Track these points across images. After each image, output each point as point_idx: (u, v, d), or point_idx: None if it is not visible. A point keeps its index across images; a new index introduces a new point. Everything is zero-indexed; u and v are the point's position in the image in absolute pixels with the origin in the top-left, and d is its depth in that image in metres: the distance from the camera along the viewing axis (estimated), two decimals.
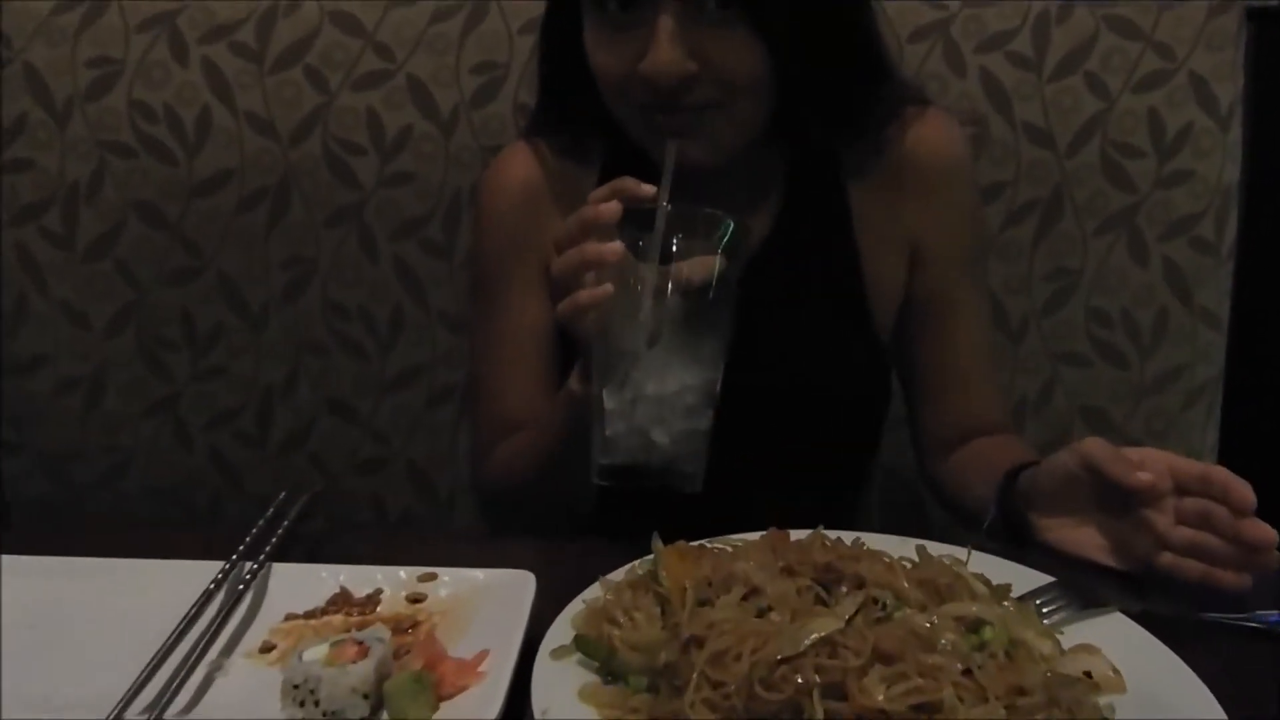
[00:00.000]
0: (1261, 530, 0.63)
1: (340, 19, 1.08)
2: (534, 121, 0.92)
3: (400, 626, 0.57)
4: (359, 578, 0.61)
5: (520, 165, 0.92)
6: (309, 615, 0.59)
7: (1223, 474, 0.65)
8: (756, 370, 0.82)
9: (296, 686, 0.50)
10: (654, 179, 0.83)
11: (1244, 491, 0.64)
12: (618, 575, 0.59)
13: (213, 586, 0.59)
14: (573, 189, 0.88)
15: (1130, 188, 1.04)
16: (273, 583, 0.61)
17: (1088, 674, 0.53)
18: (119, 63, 1.08)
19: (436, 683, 0.51)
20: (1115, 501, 0.67)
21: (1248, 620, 0.62)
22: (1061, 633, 0.58)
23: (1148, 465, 0.66)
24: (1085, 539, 0.69)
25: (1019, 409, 1.10)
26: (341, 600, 0.60)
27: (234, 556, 0.61)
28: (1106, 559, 0.68)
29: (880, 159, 0.88)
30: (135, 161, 1.09)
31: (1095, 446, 0.68)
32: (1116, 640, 0.57)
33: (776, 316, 0.86)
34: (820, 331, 0.88)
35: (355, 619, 0.58)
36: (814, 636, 0.49)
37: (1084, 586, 0.61)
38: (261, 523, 0.65)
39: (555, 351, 0.91)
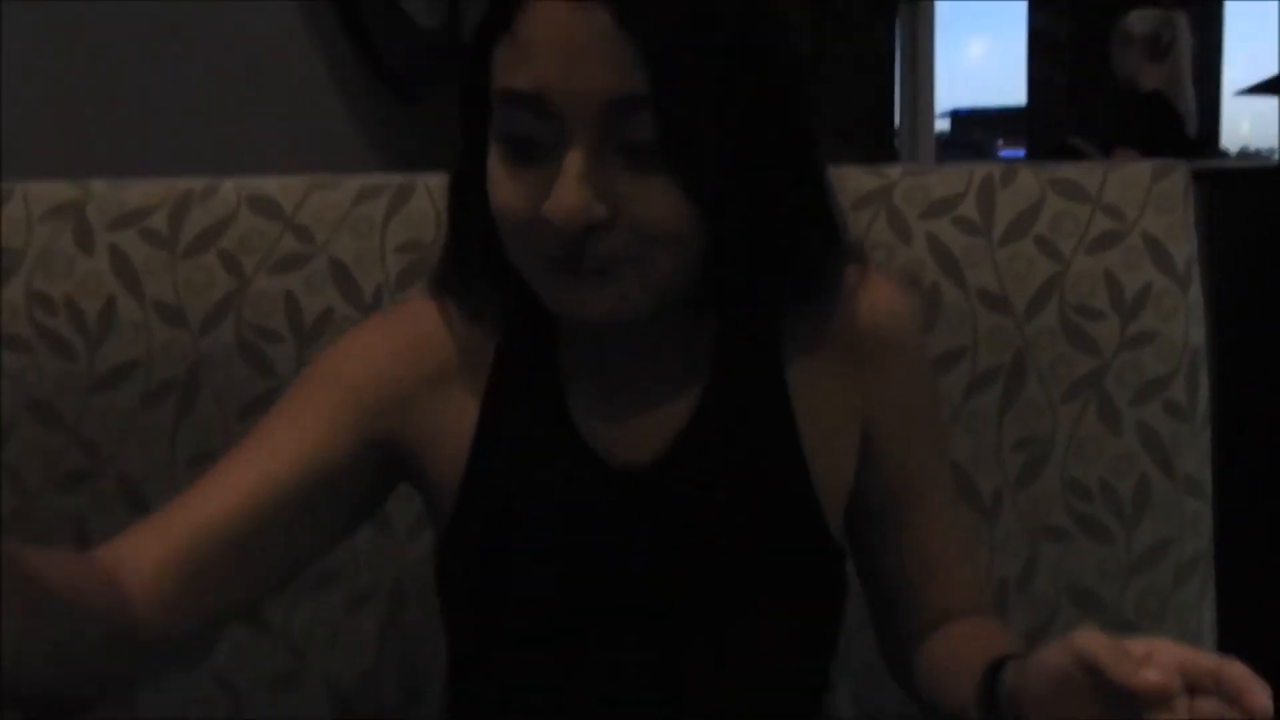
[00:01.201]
0: None
1: (257, 203, 1.03)
2: (439, 276, 0.80)
3: None
4: None
5: (425, 320, 0.80)
6: None
7: (1238, 672, 0.56)
8: (684, 572, 0.74)
9: None
10: (552, 358, 0.75)
11: (1261, 698, 0.55)
12: None
13: None
14: (469, 360, 0.78)
15: (1094, 350, 0.99)
16: None
17: None
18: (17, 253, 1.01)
19: None
20: (1117, 703, 0.57)
21: None
22: None
23: (1155, 660, 0.57)
24: None
25: (999, 592, 1.01)
26: None
27: None
28: None
29: (822, 330, 0.78)
30: (30, 357, 1.01)
31: (1092, 641, 0.58)
32: None
33: (703, 511, 0.75)
34: (757, 526, 0.76)
35: None
36: None
37: None
38: None
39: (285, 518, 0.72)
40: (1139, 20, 3.16)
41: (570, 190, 0.64)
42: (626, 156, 0.65)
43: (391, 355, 0.78)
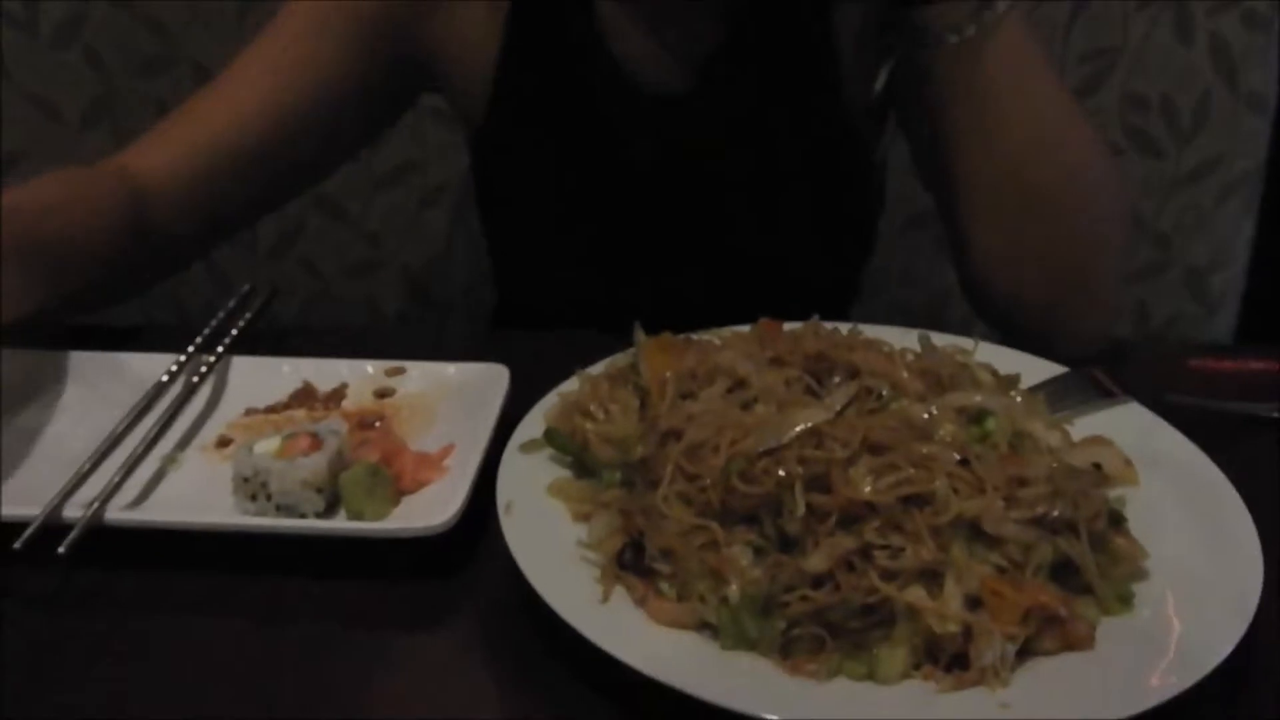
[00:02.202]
0: None
1: None
2: None
3: (365, 421, 0.54)
4: (323, 372, 0.58)
5: None
6: (270, 410, 0.56)
7: None
8: (724, 189, 0.74)
9: (247, 480, 0.47)
10: None
11: None
12: (597, 368, 0.56)
13: (166, 379, 0.55)
14: None
15: None
16: (232, 376, 0.58)
17: (1097, 466, 0.49)
18: None
19: (395, 476, 0.48)
20: None
21: (1271, 411, 0.58)
22: (1072, 424, 0.54)
23: None
24: None
25: None
26: (304, 395, 0.56)
27: (190, 348, 0.58)
28: None
29: None
30: None
31: None
32: (1132, 432, 0.53)
33: (735, 141, 0.73)
34: (792, 152, 0.73)
35: (318, 414, 0.55)
36: (799, 428, 0.45)
37: (1099, 377, 0.57)
38: (222, 314, 0.61)
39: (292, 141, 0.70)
40: None
41: None
42: None
43: None
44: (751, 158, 0.73)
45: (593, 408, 0.52)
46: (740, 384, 0.51)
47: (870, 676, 0.41)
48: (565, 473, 0.50)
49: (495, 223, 0.80)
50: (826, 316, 0.58)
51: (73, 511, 0.46)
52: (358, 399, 0.56)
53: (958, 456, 0.44)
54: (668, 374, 0.52)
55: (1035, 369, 0.58)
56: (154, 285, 0.74)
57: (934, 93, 0.66)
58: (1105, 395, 0.56)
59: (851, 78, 0.73)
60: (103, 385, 0.55)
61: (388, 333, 0.85)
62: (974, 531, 0.43)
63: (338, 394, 0.57)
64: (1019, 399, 0.52)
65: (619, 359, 0.56)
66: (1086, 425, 0.55)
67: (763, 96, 0.72)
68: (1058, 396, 0.56)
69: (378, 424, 0.53)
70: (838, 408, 0.48)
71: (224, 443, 0.54)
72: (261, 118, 0.69)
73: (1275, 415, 0.58)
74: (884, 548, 0.42)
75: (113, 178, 0.66)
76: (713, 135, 0.72)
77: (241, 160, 0.69)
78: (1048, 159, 0.65)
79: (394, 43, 0.73)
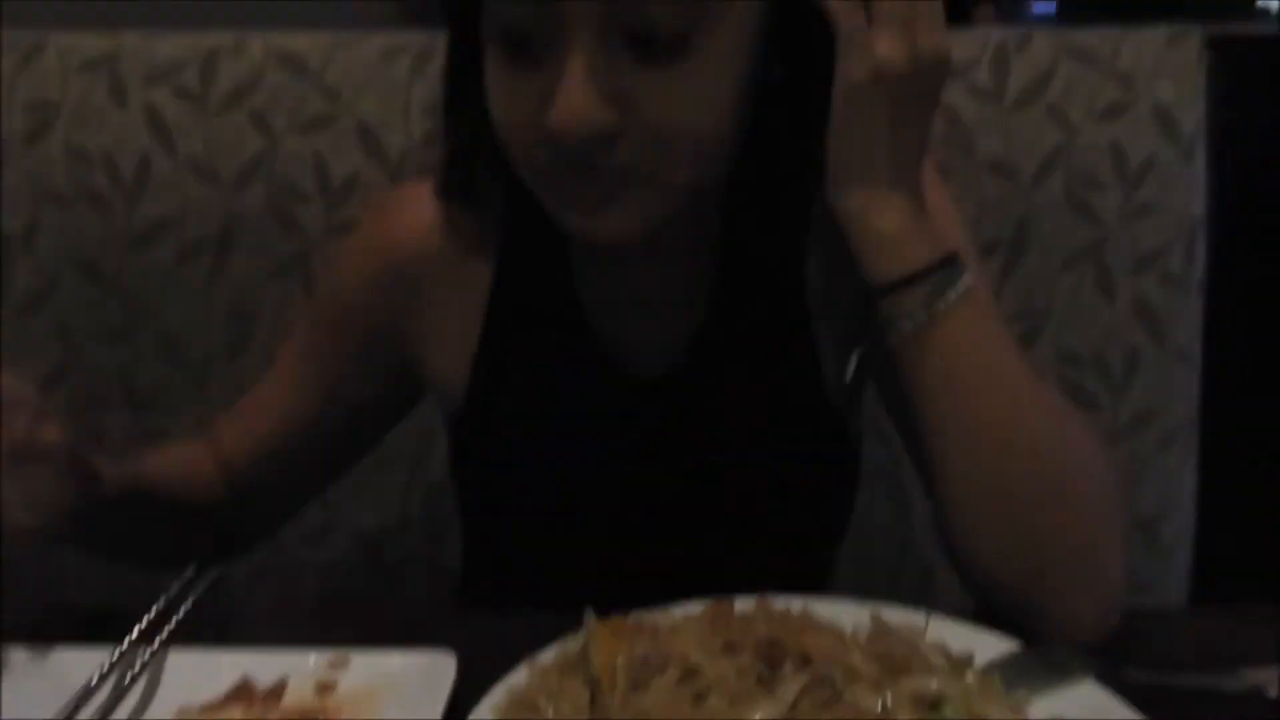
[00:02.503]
0: None
1: (285, 60, 1.05)
2: (440, 184, 0.73)
3: None
4: (263, 665, 0.56)
5: (421, 217, 0.75)
6: (205, 709, 0.54)
7: None
8: (697, 478, 0.74)
9: None
10: (563, 260, 0.71)
11: None
12: (548, 655, 0.55)
13: (95, 680, 0.54)
14: (473, 257, 0.74)
15: (1096, 221, 1.01)
16: (167, 671, 0.57)
17: None
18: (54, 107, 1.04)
19: None
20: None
21: (1232, 684, 0.57)
22: (1030, 706, 0.54)
23: None
24: None
25: None
26: (242, 692, 0.55)
27: (126, 641, 0.56)
28: None
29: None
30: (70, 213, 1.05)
31: None
32: (1091, 714, 0.53)
33: (720, 422, 0.74)
34: (775, 430, 0.74)
35: (255, 713, 0.53)
36: None
37: (1053, 654, 0.57)
38: (163, 600, 0.60)
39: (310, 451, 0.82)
40: None
41: (574, 94, 0.56)
42: (636, 49, 0.57)
43: (384, 263, 0.76)
44: (732, 439, 0.74)
45: (541, 701, 0.51)
46: (692, 672, 0.50)
47: None
48: None
49: (471, 501, 0.81)
50: (802, 589, 0.58)
51: None
52: (298, 694, 0.55)
53: None
54: (619, 661, 0.51)
55: (988, 645, 0.58)
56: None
57: (900, 381, 0.65)
58: (1060, 672, 0.56)
59: (828, 358, 0.74)
60: (30, 683, 0.54)
61: (338, 607, 0.84)
62: None
63: (277, 690, 0.55)
64: (974, 681, 0.52)
65: (570, 645, 0.55)
66: (1043, 706, 0.54)
67: (743, 379, 0.73)
68: (1013, 675, 0.55)
69: None
70: (790, 700, 0.47)
71: None
72: (286, 428, 0.79)
73: (1237, 690, 0.57)
74: None
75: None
76: (693, 418, 0.74)
77: (277, 461, 0.80)
78: (1021, 449, 0.62)
79: (385, 350, 0.77)
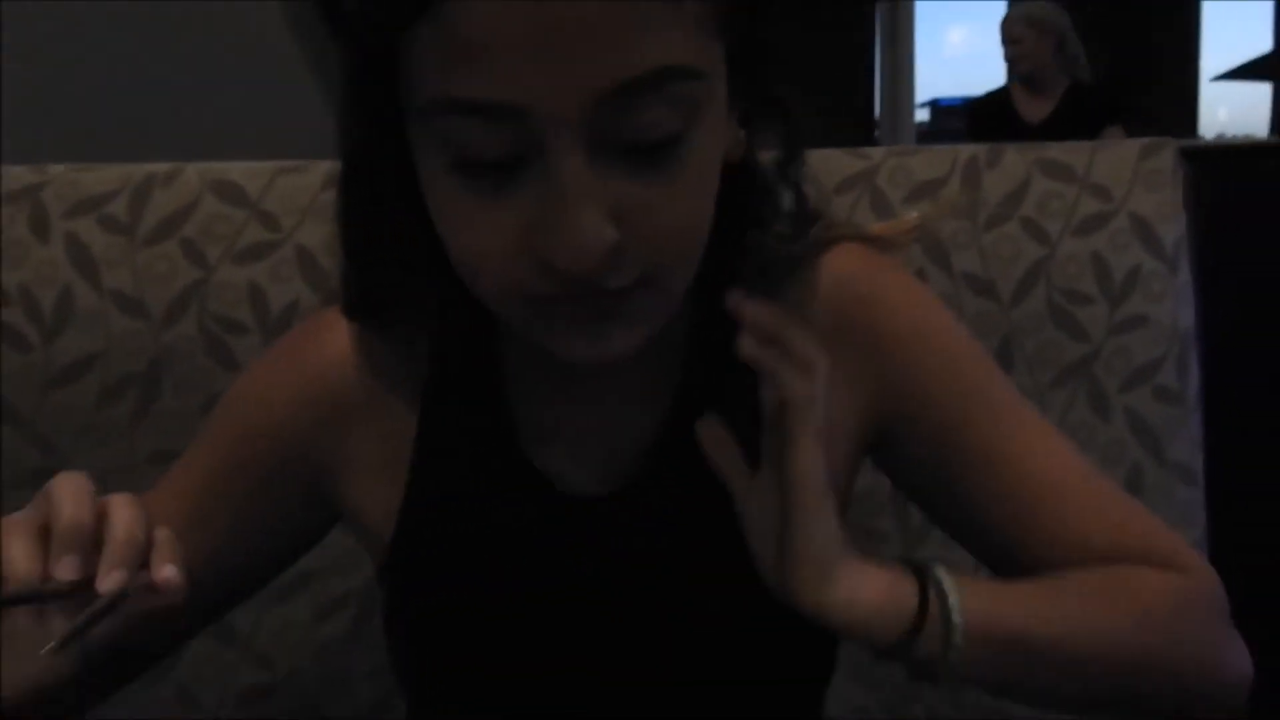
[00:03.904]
0: None
1: (221, 188, 0.99)
2: (346, 307, 0.67)
3: None
4: None
5: (337, 341, 0.68)
6: None
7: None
8: (649, 611, 0.64)
9: None
10: (495, 382, 0.64)
11: None
12: None
13: None
14: (396, 381, 0.67)
15: (1082, 336, 0.97)
16: None
17: None
18: None
19: None
20: None
21: None
22: None
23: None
24: None
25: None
26: None
27: None
28: None
29: (804, 319, 0.64)
30: None
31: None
32: None
33: (672, 548, 0.64)
34: (736, 560, 0.62)
35: None
36: None
37: None
38: None
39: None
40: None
41: (580, 218, 0.49)
42: (625, 156, 0.51)
43: (299, 391, 0.68)
44: (690, 566, 0.64)
45: None
46: None
47: None
48: None
49: (405, 650, 0.70)
50: None
51: None
52: None
53: None
54: None
55: None
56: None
57: None
58: None
59: None
60: None
61: None
62: None
63: None
64: None
65: None
66: None
67: (707, 491, 0.63)
68: None
69: None
70: None
71: None
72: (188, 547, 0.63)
73: None
74: None
75: None
76: (643, 541, 0.65)
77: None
78: (1084, 696, 0.60)
79: (301, 483, 0.69)
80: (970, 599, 0.56)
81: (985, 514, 0.65)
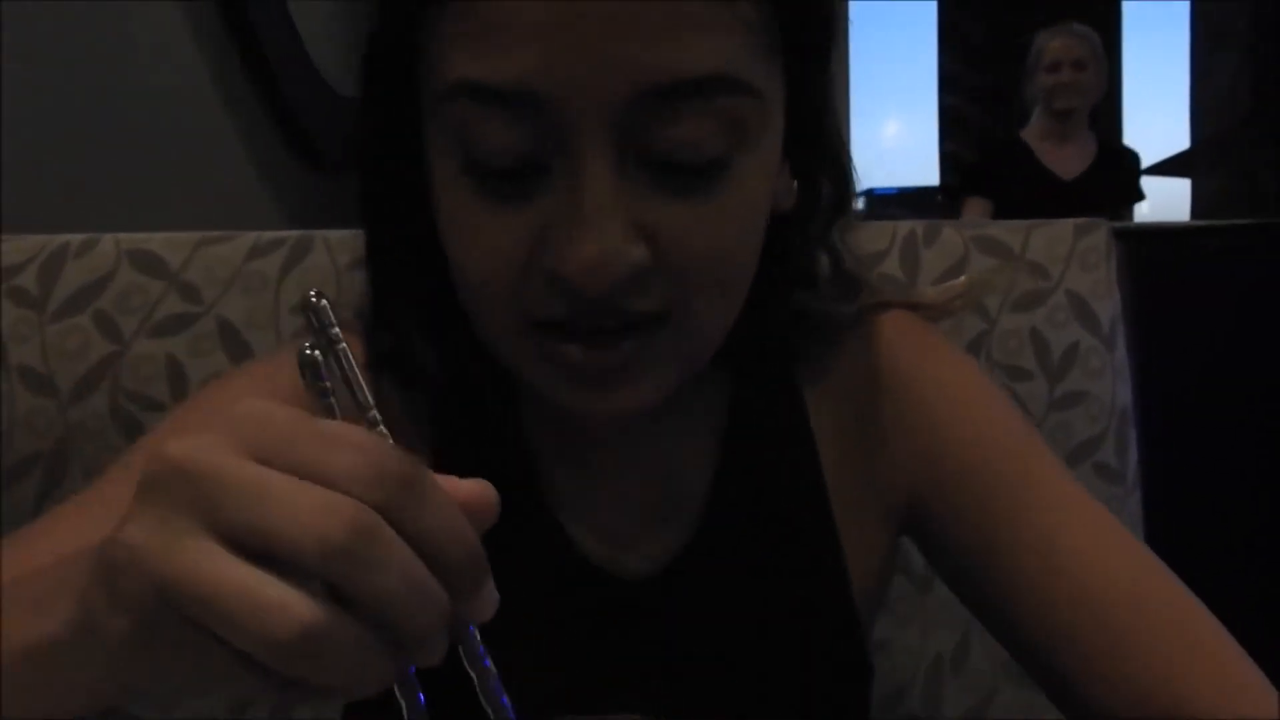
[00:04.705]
0: None
1: (139, 259, 0.95)
2: (372, 358, 0.60)
3: None
4: None
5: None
6: None
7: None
8: (696, 693, 0.60)
9: None
10: (520, 447, 0.57)
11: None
12: None
13: None
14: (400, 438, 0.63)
15: (1025, 411, 0.96)
16: None
17: None
18: None
19: None
20: None
21: None
22: None
23: None
24: None
25: (934, 669, 0.95)
26: None
27: None
28: None
29: (846, 387, 0.63)
30: None
31: None
32: None
33: (725, 630, 0.61)
34: (786, 644, 0.61)
35: None
36: None
37: None
38: None
39: None
40: None
41: (603, 226, 0.44)
42: (654, 172, 0.46)
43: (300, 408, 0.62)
44: (733, 649, 0.61)
45: None
46: None
47: None
48: None
49: None
50: None
51: None
52: None
53: None
54: None
55: None
56: None
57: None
58: None
59: (856, 560, 0.63)
60: None
61: None
62: None
63: None
64: None
65: None
66: None
67: (753, 577, 0.60)
68: None
69: None
70: None
71: None
72: None
73: None
74: None
75: None
76: (688, 623, 0.60)
77: None
78: None
79: None
80: None
81: (1022, 616, 0.58)
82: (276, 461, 0.31)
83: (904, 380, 0.63)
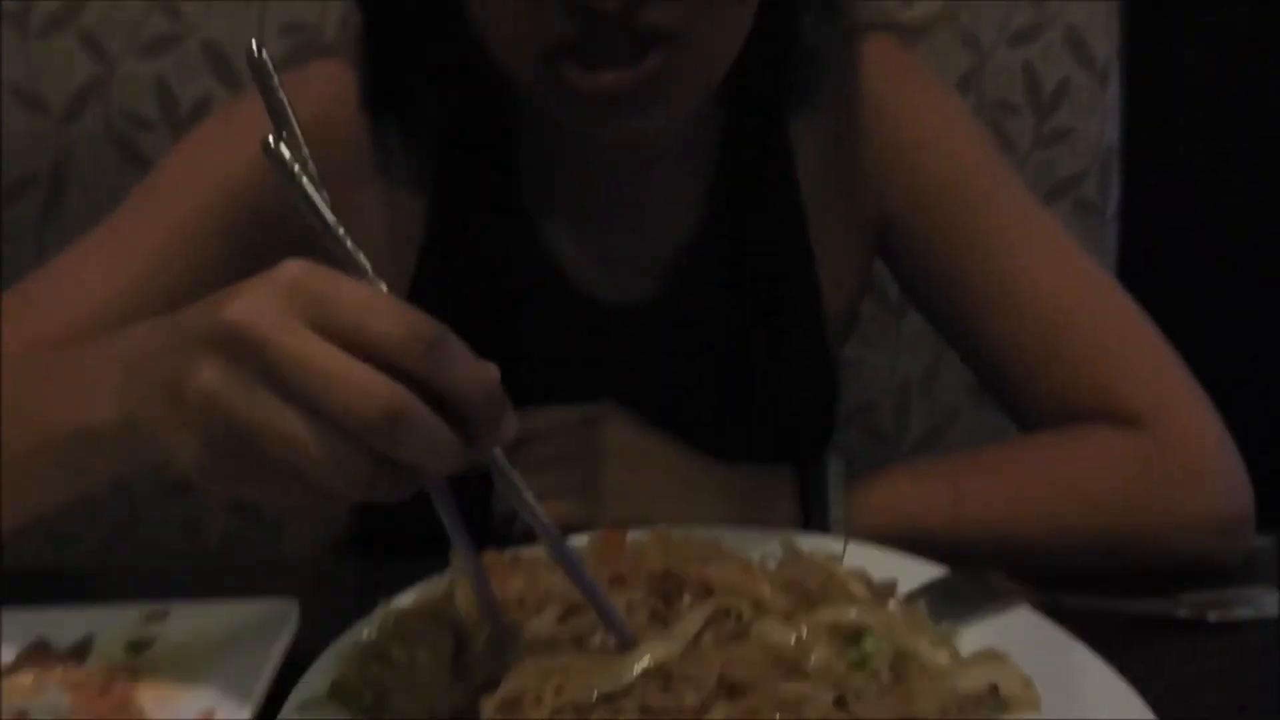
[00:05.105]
0: None
1: None
2: (366, 92, 0.60)
3: (109, 686, 0.43)
4: (63, 624, 0.47)
5: (338, 102, 0.59)
6: None
7: None
8: (676, 404, 0.63)
9: None
10: (512, 176, 0.59)
11: None
12: (406, 599, 0.46)
13: None
14: (403, 167, 0.61)
15: (1009, 146, 0.96)
16: None
17: (993, 688, 0.42)
18: None
19: None
20: None
21: (1174, 609, 0.52)
22: (959, 636, 0.47)
23: None
24: None
25: (902, 391, 1.00)
26: (37, 653, 0.45)
27: None
28: None
29: (831, 118, 0.65)
30: None
31: None
32: (1026, 643, 0.46)
33: (707, 352, 0.65)
34: (762, 359, 0.66)
35: (54, 677, 0.44)
36: (640, 666, 0.37)
37: (984, 579, 0.51)
38: None
39: None
40: None
41: None
42: None
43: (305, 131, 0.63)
44: (715, 369, 0.65)
45: (395, 650, 0.42)
46: (573, 610, 0.43)
47: None
48: None
49: None
50: None
51: None
52: (105, 654, 0.45)
53: (832, 695, 0.36)
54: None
55: (913, 572, 0.51)
56: None
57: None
58: (992, 599, 0.50)
59: (830, 282, 0.67)
60: None
61: (148, 570, 0.73)
62: None
63: (80, 650, 0.46)
64: (897, 611, 0.46)
65: (433, 587, 0.47)
66: (974, 636, 0.48)
67: (730, 307, 0.64)
68: (940, 603, 0.49)
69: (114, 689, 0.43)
70: (689, 635, 0.40)
71: None
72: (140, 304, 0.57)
73: (1177, 614, 0.52)
74: None
75: None
76: (674, 347, 0.65)
77: None
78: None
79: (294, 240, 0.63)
80: (859, 514, 0.56)
81: (973, 326, 0.63)
82: (322, 327, 0.34)
83: (882, 102, 0.65)
